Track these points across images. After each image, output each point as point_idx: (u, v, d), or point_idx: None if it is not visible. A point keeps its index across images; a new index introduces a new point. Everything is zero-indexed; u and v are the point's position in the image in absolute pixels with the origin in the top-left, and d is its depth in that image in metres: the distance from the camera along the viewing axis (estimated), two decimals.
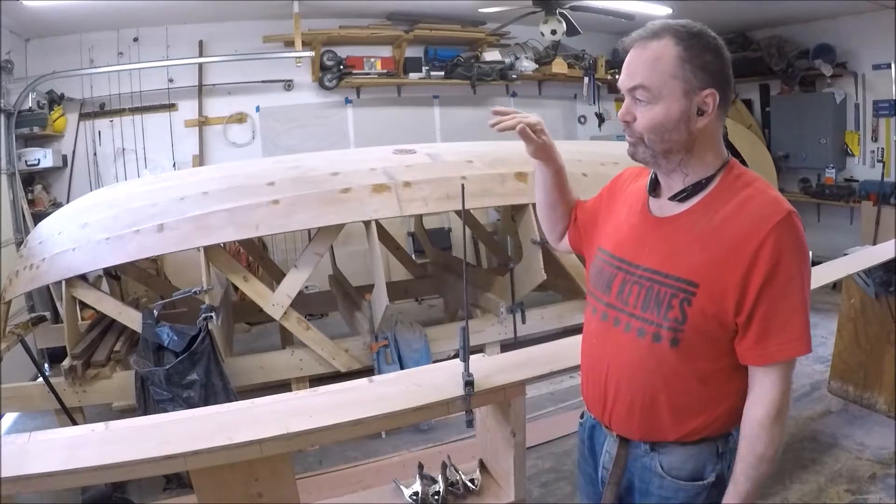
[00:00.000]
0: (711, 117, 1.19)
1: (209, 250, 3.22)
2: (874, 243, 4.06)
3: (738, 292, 1.14)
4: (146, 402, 2.93)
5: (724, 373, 1.22)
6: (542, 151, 1.47)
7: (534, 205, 3.32)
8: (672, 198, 1.25)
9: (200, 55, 5.70)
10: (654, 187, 1.31)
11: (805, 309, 1.16)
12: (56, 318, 4.04)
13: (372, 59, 6.14)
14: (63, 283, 3.23)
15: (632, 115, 1.21)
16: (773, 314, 1.14)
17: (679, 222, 1.24)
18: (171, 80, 5.63)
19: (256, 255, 5.03)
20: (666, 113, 1.17)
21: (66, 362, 3.17)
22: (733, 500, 1.22)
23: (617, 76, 1.26)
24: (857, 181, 6.15)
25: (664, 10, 5.37)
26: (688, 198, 1.23)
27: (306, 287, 4.17)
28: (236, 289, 3.78)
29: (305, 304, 4.59)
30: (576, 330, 1.57)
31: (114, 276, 4.46)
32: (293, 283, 3.38)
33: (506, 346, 3.70)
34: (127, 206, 3.36)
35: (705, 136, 1.21)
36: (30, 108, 4.90)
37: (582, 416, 1.52)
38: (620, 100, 1.27)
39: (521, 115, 1.42)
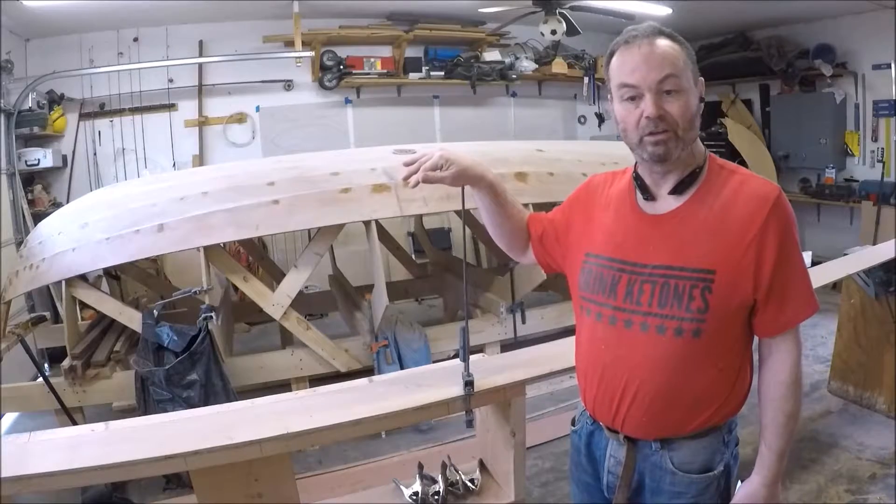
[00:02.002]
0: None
1: (209, 250, 3.23)
2: (874, 243, 4.06)
3: (753, 271, 1.20)
4: (146, 402, 2.93)
5: (738, 358, 1.28)
6: (460, 179, 1.40)
7: (533, 205, 3.35)
8: (673, 191, 1.26)
9: (200, 55, 5.70)
10: (643, 189, 1.30)
11: (807, 271, 1.26)
12: (56, 318, 4.03)
13: (372, 59, 6.14)
14: (63, 283, 3.23)
15: (664, 109, 1.19)
16: (787, 284, 1.22)
17: (680, 216, 1.26)
18: (171, 80, 5.63)
19: (256, 255, 5.03)
20: (692, 101, 1.22)
21: (66, 362, 3.17)
22: (773, 460, 1.28)
23: None
24: (857, 181, 6.13)
25: (664, 10, 5.37)
26: (686, 188, 1.25)
27: (306, 287, 4.17)
28: (236, 289, 3.78)
29: (305, 304, 4.59)
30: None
31: (114, 276, 4.46)
32: (293, 283, 3.38)
33: (506, 346, 3.70)
34: (127, 206, 3.36)
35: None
36: (30, 108, 4.89)
37: (573, 424, 1.50)
38: None
39: (423, 158, 1.37)
